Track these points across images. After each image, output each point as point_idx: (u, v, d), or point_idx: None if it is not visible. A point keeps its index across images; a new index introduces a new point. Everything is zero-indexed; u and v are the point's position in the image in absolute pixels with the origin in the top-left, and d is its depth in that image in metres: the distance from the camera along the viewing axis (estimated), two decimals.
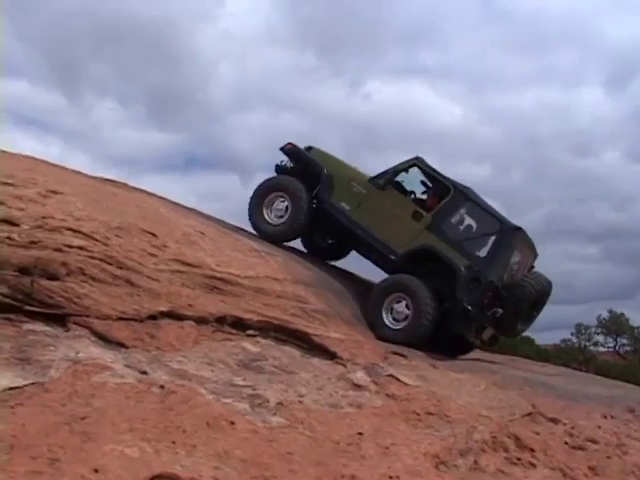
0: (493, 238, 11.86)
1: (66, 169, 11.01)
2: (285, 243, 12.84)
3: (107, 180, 11.81)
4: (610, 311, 41.98)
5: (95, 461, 4.39)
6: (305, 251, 13.66)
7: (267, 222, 12.65)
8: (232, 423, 5.56)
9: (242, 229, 12.73)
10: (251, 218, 12.79)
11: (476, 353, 12.90)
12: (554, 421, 7.69)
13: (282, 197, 12.66)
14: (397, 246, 12.11)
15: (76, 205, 8.27)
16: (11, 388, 5.18)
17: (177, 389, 5.88)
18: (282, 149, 13.26)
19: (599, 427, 7.71)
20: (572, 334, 42.17)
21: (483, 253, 11.81)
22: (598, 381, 12.88)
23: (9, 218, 7.23)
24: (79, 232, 7.59)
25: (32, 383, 5.33)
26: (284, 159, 13.42)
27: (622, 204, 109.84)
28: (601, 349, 42.72)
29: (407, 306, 11.49)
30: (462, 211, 12.16)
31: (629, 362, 38.61)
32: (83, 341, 6.40)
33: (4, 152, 10.30)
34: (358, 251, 13.32)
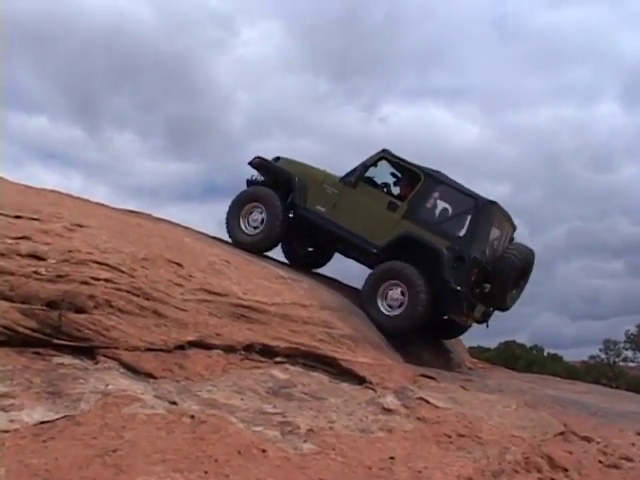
0: (470, 215, 12.06)
1: (90, 202, 11.12)
2: (265, 253, 12.99)
3: (131, 212, 11.92)
4: (638, 326, 41.79)
5: None
6: (288, 262, 13.74)
7: (243, 232, 12.75)
8: (263, 451, 5.54)
9: (267, 256, 12.76)
10: (228, 229, 12.88)
11: (504, 373, 12.84)
12: (587, 440, 7.60)
13: (258, 208, 12.77)
14: (377, 239, 12.25)
15: (101, 238, 8.32)
16: (43, 422, 5.20)
17: (207, 418, 5.87)
18: (250, 164, 13.35)
19: (633, 444, 7.62)
20: (600, 350, 42.05)
21: (462, 232, 12.04)
22: (629, 397, 12.76)
23: (36, 253, 7.29)
24: (105, 264, 7.62)
25: (63, 417, 5.35)
26: (254, 174, 13.55)
27: None
28: (630, 364, 42.50)
29: (402, 292, 11.63)
30: (435, 195, 12.42)
31: None
32: (112, 373, 6.41)
33: (29, 187, 10.39)
34: (340, 251, 13.47)
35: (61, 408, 5.50)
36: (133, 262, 8.07)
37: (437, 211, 12.50)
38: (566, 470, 6.63)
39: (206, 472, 4.97)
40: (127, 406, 5.76)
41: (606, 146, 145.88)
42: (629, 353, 41.80)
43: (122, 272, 7.70)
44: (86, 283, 7.14)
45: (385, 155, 12.84)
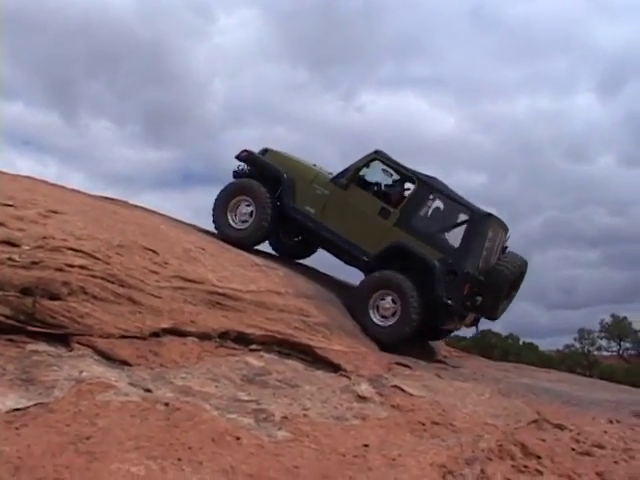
0: (465, 227, 11.81)
1: (65, 188, 11.05)
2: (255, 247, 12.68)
3: (107, 198, 11.84)
4: (612, 315, 42.03)
5: None
6: (274, 252, 13.61)
7: (231, 226, 12.42)
8: (237, 438, 5.55)
9: None
10: (215, 222, 12.57)
11: (480, 362, 12.88)
12: (560, 427, 7.65)
13: (246, 201, 12.46)
14: (368, 247, 11.97)
15: (76, 224, 8.28)
16: (15, 409, 5.18)
17: (182, 406, 5.88)
18: (238, 157, 13.08)
19: (605, 432, 7.67)
20: (575, 339, 42.23)
21: (456, 243, 11.76)
22: (603, 386, 12.88)
23: (10, 239, 7.24)
24: (80, 251, 7.58)
25: (36, 404, 5.33)
26: (241, 164, 13.21)
27: (619, 209, 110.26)
28: (605, 353, 42.73)
29: (394, 302, 11.39)
30: (429, 203, 12.13)
31: (633, 366, 38.62)
32: (86, 360, 6.39)
33: (3, 173, 10.32)
34: (330, 252, 13.06)
35: (34, 395, 5.48)
36: (108, 249, 8.04)
37: (431, 220, 12.13)
38: (539, 457, 6.67)
39: (180, 459, 4.98)
40: (101, 393, 5.75)
41: (582, 137, 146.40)
42: (603, 342, 42.03)
43: (97, 259, 7.67)
44: (60, 270, 7.10)
45: (378, 156, 12.45)
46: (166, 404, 5.84)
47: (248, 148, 13.14)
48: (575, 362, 39.12)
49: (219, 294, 8.68)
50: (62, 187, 11.05)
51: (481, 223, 11.77)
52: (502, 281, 11.69)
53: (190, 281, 8.57)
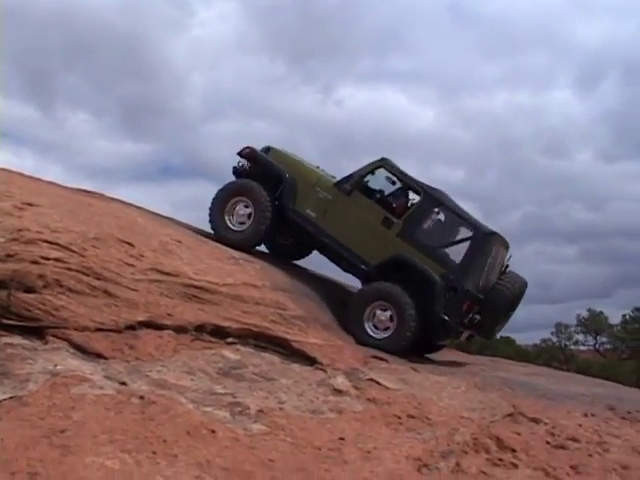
0: (468, 244, 11.62)
1: (41, 181, 10.99)
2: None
3: (83, 191, 11.77)
4: (589, 310, 42.26)
5: (76, 474, 4.38)
6: (268, 252, 13.40)
7: (229, 228, 12.19)
8: (213, 432, 5.54)
9: None
10: (212, 223, 12.33)
11: (456, 356, 12.90)
12: (535, 421, 7.69)
13: (244, 202, 12.22)
14: (369, 256, 11.75)
15: (52, 217, 8.23)
16: None
17: (157, 399, 5.86)
18: (240, 154, 12.83)
19: (580, 426, 7.72)
20: (552, 333, 42.43)
21: (458, 260, 11.55)
22: (578, 380, 12.93)
23: None
24: (55, 244, 7.54)
25: (10, 397, 5.30)
26: (242, 161, 12.94)
27: (596, 204, 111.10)
28: (581, 348, 42.99)
29: (390, 315, 11.16)
30: (434, 216, 11.90)
31: (609, 360, 38.88)
32: (61, 353, 6.36)
33: None
34: (327, 257, 12.73)
35: (8, 389, 5.44)
36: (84, 242, 8.00)
37: (434, 234, 11.89)
38: (514, 451, 6.70)
39: (154, 452, 4.96)
40: (76, 386, 5.72)
41: (560, 132, 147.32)
42: (580, 336, 42.29)
43: (72, 252, 7.63)
44: (36, 262, 7.07)
45: (384, 164, 12.20)
46: (141, 397, 5.82)
47: (251, 145, 12.92)
48: (552, 356, 39.32)
49: (195, 287, 8.65)
50: (38, 180, 10.99)
51: (485, 241, 11.63)
52: (502, 301, 11.60)
53: (166, 274, 8.54)
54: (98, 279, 7.58)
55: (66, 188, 11.27)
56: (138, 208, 11.97)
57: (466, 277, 11.35)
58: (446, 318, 11.16)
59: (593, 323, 41.76)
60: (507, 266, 12.44)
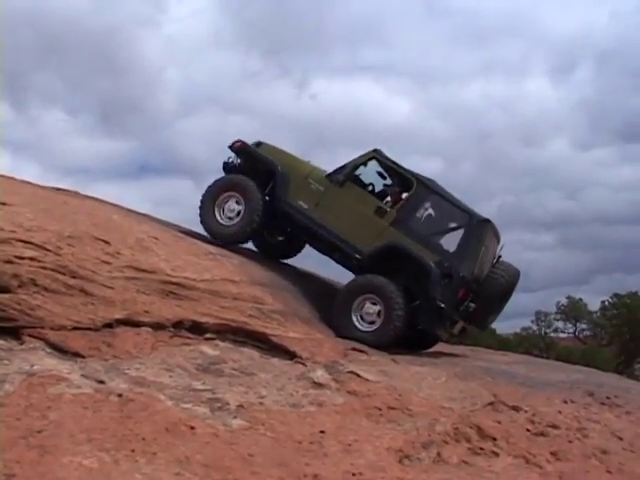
0: (462, 231, 11.62)
1: (15, 180, 10.89)
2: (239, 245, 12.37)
3: (58, 189, 11.70)
4: (568, 297, 42.45)
5: (53, 474, 4.35)
6: (256, 250, 13.26)
7: (219, 224, 12.09)
8: (192, 428, 5.51)
9: (197, 233, 12.57)
10: (202, 220, 12.22)
11: (437, 346, 12.88)
12: (515, 409, 7.72)
13: (235, 197, 12.10)
14: (362, 245, 11.61)
15: (26, 216, 8.16)
16: None
17: (135, 397, 5.82)
18: (231, 147, 12.67)
19: (560, 412, 7.76)
20: (532, 322, 42.54)
21: (452, 247, 11.51)
22: (558, 367, 12.95)
23: None
24: (30, 243, 7.48)
25: None
26: (231, 156, 12.81)
27: (572, 192, 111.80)
28: (561, 335, 43.18)
29: (378, 309, 11.06)
30: (427, 204, 11.82)
31: (589, 347, 39.09)
32: (38, 353, 6.33)
33: None
34: (319, 250, 12.72)
35: None
36: (59, 240, 7.94)
37: (428, 222, 11.85)
38: (495, 439, 6.74)
39: (133, 450, 4.93)
40: (53, 386, 5.69)
41: (535, 121, 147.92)
42: (560, 324, 42.46)
43: (47, 250, 7.57)
44: (10, 262, 7.00)
45: (376, 155, 12.17)
46: (119, 395, 5.79)
47: (241, 138, 12.74)
48: (532, 344, 39.51)
49: (173, 283, 8.61)
50: (12, 178, 10.89)
51: (479, 228, 11.61)
52: (496, 290, 11.58)
53: (143, 271, 8.49)
54: (74, 277, 7.53)
55: (40, 187, 11.18)
56: (113, 205, 11.91)
57: (461, 264, 11.28)
58: (442, 305, 11.03)
59: (572, 310, 41.94)
60: (500, 256, 12.35)
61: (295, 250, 13.68)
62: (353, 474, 5.41)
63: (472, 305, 11.50)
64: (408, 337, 11.46)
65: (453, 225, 11.95)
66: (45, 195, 10.21)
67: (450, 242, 11.68)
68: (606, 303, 41.26)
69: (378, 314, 11.06)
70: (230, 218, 12.08)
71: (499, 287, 11.59)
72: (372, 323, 11.08)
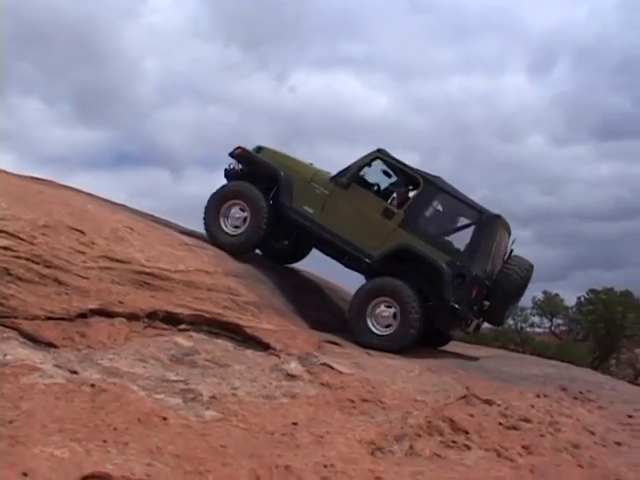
0: (473, 229, 11.44)
1: None
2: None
3: (33, 178, 11.63)
4: (545, 292, 42.55)
5: (24, 464, 4.33)
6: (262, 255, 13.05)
7: (226, 233, 11.85)
8: (164, 419, 5.52)
9: (172, 223, 12.53)
10: (207, 229, 12.02)
11: None
12: (488, 402, 7.77)
13: (239, 205, 11.86)
14: (371, 248, 11.37)
15: (0, 205, 8.12)
16: None
17: (108, 387, 5.82)
18: (231, 154, 12.45)
19: (532, 406, 7.81)
20: (508, 316, 42.64)
21: (464, 246, 11.35)
22: (532, 361, 13.00)
23: None
24: (4, 232, 7.44)
25: None
26: (232, 162, 12.55)
27: (549, 187, 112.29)
28: (537, 330, 43.31)
29: (393, 311, 10.86)
30: (435, 203, 11.62)
31: (564, 342, 39.27)
32: (11, 343, 6.29)
33: None
34: (327, 255, 12.39)
35: None
36: (33, 229, 7.89)
37: (437, 221, 11.71)
38: (467, 433, 6.78)
39: (105, 441, 4.93)
40: (25, 376, 5.66)
41: (513, 117, 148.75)
42: (536, 319, 42.58)
43: (21, 239, 7.53)
44: None
45: (380, 155, 11.88)
46: (92, 385, 5.78)
47: (242, 145, 12.53)
48: (508, 339, 39.56)
49: (147, 274, 8.58)
50: None
51: (490, 224, 11.39)
52: (511, 285, 11.38)
53: (118, 261, 8.45)
54: (48, 267, 7.49)
55: (15, 175, 11.10)
56: (89, 195, 11.83)
57: (473, 262, 11.11)
58: (457, 306, 10.84)
59: (549, 305, 42.05)
60: (512, 250, 12.14)
61: (301, 254, 13.55)
62: (325, 466, 5.42)
63: (486, 303, 11.40)
64: (422, 335, 11.25)
65: (463, 223, 11.77)
66: (20, 184, 10.14)
67: (461, 240, 11.51)
68: (582, 299, 41.41)
69: (394, 316, 10.86)
70: (236, 227, 11.88)
71: (513, 283, 11.42)
72: (388, 326, 10.87)
